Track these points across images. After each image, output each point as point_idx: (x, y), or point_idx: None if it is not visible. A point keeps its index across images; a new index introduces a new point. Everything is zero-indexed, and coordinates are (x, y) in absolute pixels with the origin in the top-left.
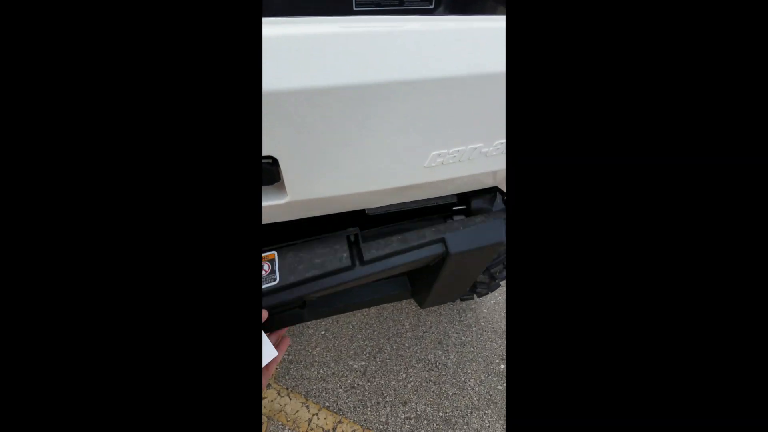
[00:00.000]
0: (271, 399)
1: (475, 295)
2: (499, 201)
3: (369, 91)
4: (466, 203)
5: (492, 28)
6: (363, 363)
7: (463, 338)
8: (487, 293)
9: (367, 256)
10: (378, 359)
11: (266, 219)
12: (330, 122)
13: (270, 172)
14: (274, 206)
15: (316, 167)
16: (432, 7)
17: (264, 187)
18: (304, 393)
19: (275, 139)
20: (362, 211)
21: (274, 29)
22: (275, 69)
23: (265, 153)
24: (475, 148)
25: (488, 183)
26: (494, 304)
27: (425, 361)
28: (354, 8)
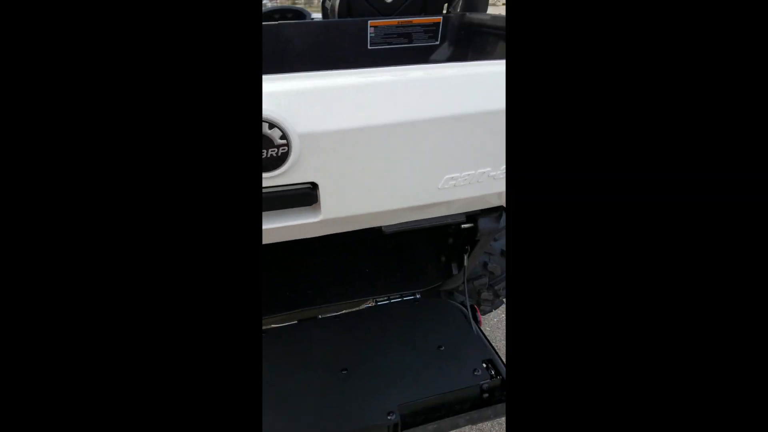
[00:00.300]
0: None
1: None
2: (504, 219)
3: (392, 128)
4: (473, 221)
5: (491, 71)
6: None
7: None
8: (491, 311)
9: None
10: None
11: (302, 235)
12: (361, 154)
13: (310, 195)
14: (310, 224)
15: (347, 190)
16: (438, 43)
17: (302, 208)
18: None
19: (317, 169)
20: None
21: (312, 82)
22: (316, 114)
23: (307, 180)
24: (484, 172)
25: (495, 202)
26: (498, 322)
27: None
28: (369, 47)
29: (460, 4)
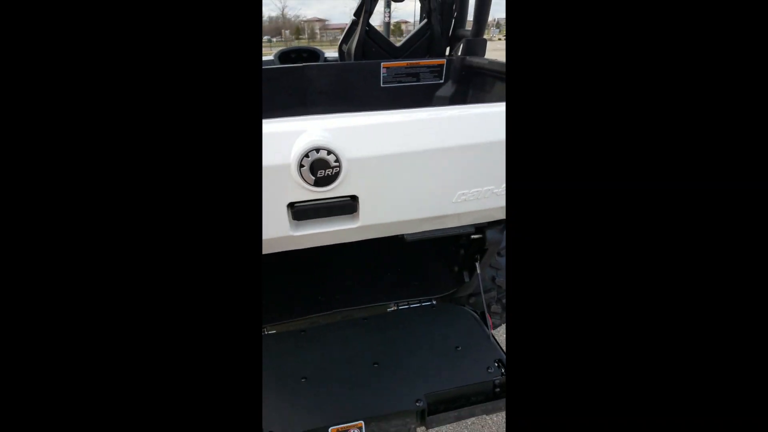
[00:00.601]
0: None
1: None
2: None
3: (417, 154)
4: (481, 233)
5: (491, 112)
6: None
7: None
8: (501, 324)
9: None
10: None
11: (343, 239)
12: (392, 173)
13: (352, 206)
14: (350, 229)
15: (380, 201)
16: (442, 81)
17: (346, 216)
18: None
19: (358, 185)
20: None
21: (359, 119)
22: (361, 143)
23: (351, 193)
24: (489, 189)
25: (498, 216)
26: None
27: None
28: (381, 85)
29: (461, 48)
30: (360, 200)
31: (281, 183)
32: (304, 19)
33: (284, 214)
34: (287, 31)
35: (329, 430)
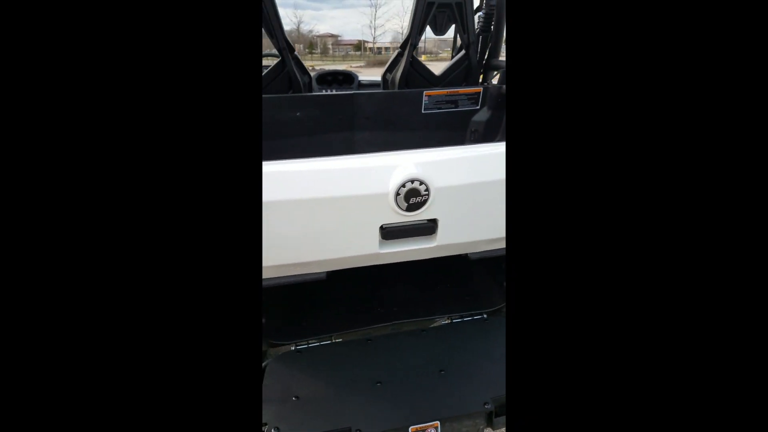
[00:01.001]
0: None
1: None
2: None
3: (489, 184)
4: None
5: None
6: None
7: None
8: None
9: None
10: None
11: (422, 256)
12: (466, 200)
13: (432, 228)
14: (428, 248)
15: (456, 224)
16: (479, 107)
17: (425, 236)
18: None
19: (439, 210)
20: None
21: (442, 154)
22: (444, 175)
23: (432, 217)
24: None
25: None
26: None
27: None
28: (422, 111)
29: (498, 77)
30: (439, 223)
31: (378, 208)
32: (317, 34)
33: (376, 234)
34: (301, 45)
35: (410, 429)
